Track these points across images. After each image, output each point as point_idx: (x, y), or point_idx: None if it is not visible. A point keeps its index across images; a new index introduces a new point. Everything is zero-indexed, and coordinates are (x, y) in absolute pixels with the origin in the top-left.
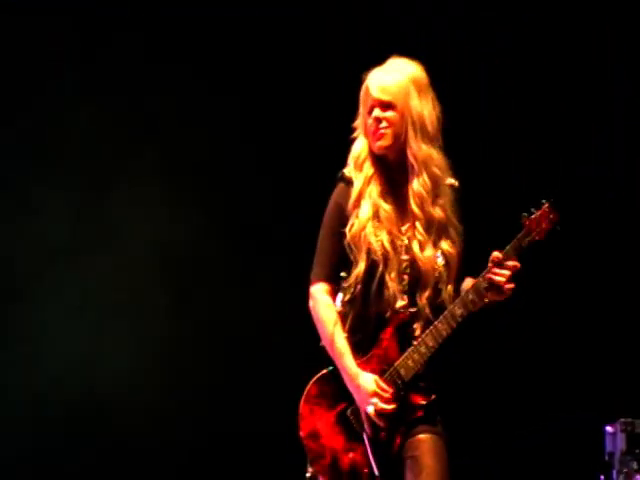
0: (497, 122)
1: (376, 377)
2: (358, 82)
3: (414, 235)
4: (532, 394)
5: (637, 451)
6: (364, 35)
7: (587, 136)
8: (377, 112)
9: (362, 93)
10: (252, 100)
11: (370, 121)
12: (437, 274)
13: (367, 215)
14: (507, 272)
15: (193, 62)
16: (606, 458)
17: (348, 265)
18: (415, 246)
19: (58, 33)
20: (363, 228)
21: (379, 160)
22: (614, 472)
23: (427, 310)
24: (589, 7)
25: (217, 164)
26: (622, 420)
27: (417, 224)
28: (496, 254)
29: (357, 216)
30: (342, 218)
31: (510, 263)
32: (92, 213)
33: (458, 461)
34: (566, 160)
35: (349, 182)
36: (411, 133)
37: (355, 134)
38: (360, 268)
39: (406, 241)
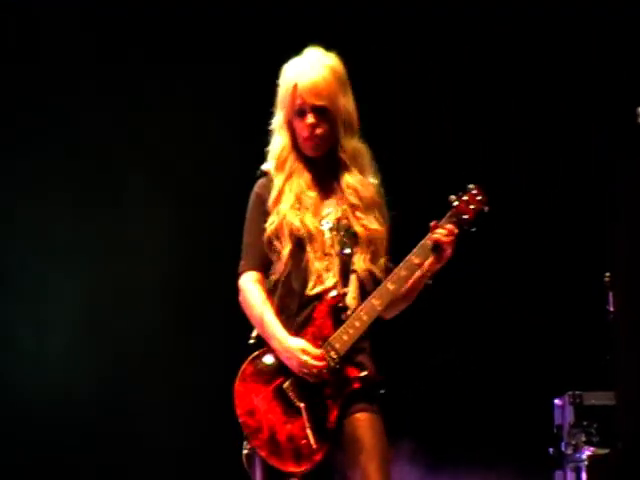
0: (423, 114)
1: (304, 342)
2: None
3: (355, 218)
4: (481, 368)
5: (585, 423)
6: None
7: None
8: (312, 119)
9: (287, 90)
10: None
11: (301, 125)
12: (373, 249)
13: (287, 206)
14: (448, 230)
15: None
16: (555, 431)
17: (272, 259)
18: (352, 221)
19: None
20: (284, 217)
21: (302, 154)
22: (563, 444)
23: (359, 288)
24: None
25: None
26: (570, 393)
27: (357, 213)
28: (434, 222)
29: (277, 212)
30: (265, 209)
31: (448, 226)
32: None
33: (397, 439)
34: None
35: (269, 175)
36: (341, 131)
37: (273, 127)
38: (286, 251)
39: (334, 222)
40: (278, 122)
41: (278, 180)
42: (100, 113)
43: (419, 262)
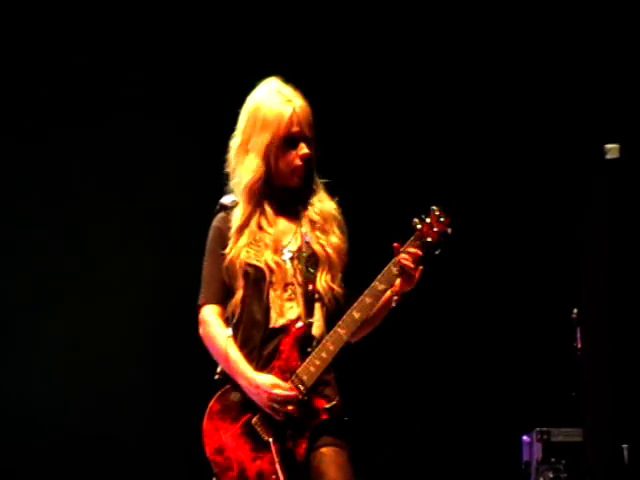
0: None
1: (272, 377)
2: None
3: (310, 234)
4: (448, 404)
5: (553, 460)
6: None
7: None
8: (306, 149)
9: (278, 116)
10: None
11: (293, 155)
12: (335, 265)
13: (244, 242)
14: (413, 254)
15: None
16: (523, 467)
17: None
18: (313, 243)
19: None
20: (238, 255)
21: (272, 186)
22: None
23: (324, 316)
24: None
25: None
26: (538, 429)
27: (311, 227)
28: (396, 244)
29: (235, 243)
30: (224, 242)
31: (411, 250)
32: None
33: (364, 471)
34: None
35: (229, 209)
36: (314, 164)
37: (242, 149)
38: (238, 295)
39: (295, 251)
40: (256, 145)
41: (242, 212)
42: None
43: (383, 289)
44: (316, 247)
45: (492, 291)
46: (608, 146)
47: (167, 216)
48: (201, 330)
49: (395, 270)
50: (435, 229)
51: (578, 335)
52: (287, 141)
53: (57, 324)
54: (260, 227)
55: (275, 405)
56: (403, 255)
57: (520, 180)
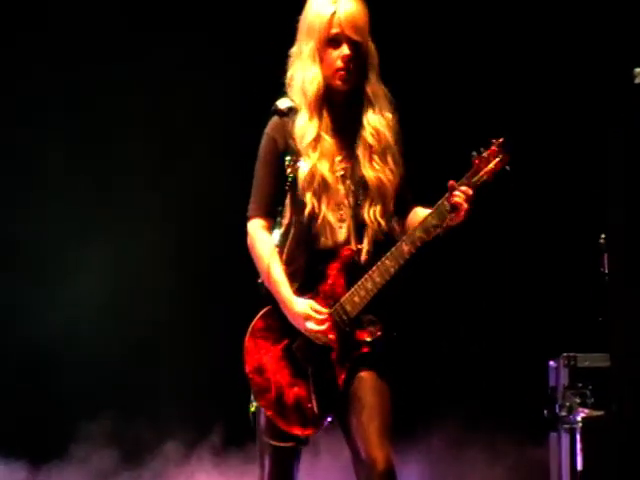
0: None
1: (311, 302)
2: None
3: (369, 163)
4: (476, 332)
5: (579, 385)
6: None
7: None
8: (347, 50)
9: (320, 18)
10: None
11: (335, 55)
12: (385, 196)
13: (318, 154)
14: (464, 192)
15: None
16: (549, 393)
17: (284, 199)
18: (367, 171)
19: None
20: (315, 166)
21: (327, 91)
22: (557, 406)
23: (372, 243)
24: None
25: None
26: (565, 355)
27: (374, 156)
28: (452, 181)
29: (309, 157)
30: (277, 153)
31: (464, 188)
32: None
33: (403, 399)
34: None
35: (285, 114)
36: (371, 70)
37: (298, 56)
38: (309, 206)
39: (347, 171)
40: (307, 52)
41: (301, 118)
42: None
43: (435, 224)
44: (367, 173)
45: (521, 218)
46: (638, 70)
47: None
48: (249, 241)
49: (447, 206)
50: (492, 166)
51: (605, 261)
52: (329, 43)
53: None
54: (319, 135)
55: (312, 330)
56: (456, 192)
57: (548, 105)
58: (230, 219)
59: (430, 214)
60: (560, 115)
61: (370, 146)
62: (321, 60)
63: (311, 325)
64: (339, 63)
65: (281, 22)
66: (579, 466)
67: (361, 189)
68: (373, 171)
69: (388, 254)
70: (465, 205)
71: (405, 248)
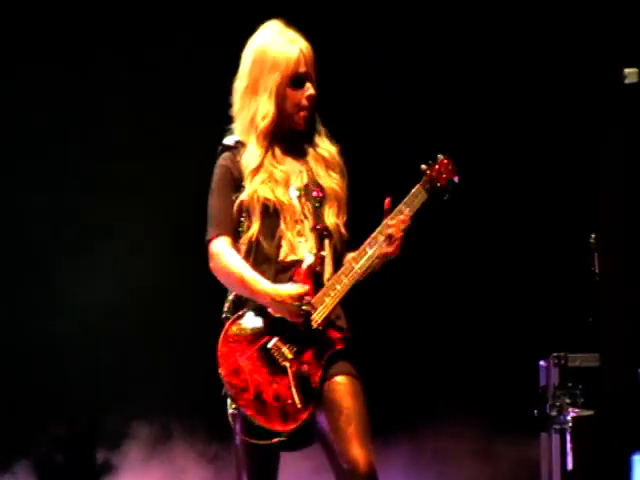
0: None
1: (291, 283)
2: None
3: (315, 170)
4: (466, 330)
5: (570, 385)
6: None
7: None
8: (312, 90)
9: (285, 56)
10: None
11: (299, 95)
12: (335, 203)
13: (260, 179)
14: (401, 224)
15: None
16: (540, 392)
17: (242, 227)
18: (318, 179)
19: None
20: (255, 191)
21: (281, 126)
22: (548, 406)
23: (332, 251)
24: None
25: None
26: (555, 354)
27: (315, 165)
28: (388, 200)
29: (251, 181)
30: (232, 180)
31: (399, 217)
32: None
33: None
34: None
35: (233, 148)
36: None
37: (251, 90)
38: (253, 229)
39: (301, 188)
40: (264, 87)
41: (258, 153)
42: None
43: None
44: (324, 182)
45: (510, 217)
46: (627, 70)
47: None
48: (212, 264)
49: (381, 238)
50: (444, 175)
51: (595, 260)
52: (295, 82)
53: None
54: (273, 166)
55: (302, 307)
56: (390, 223)
57: (537, 106)
58: None
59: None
60: (549, 115)
61: (324, 159)
62: (282, 98)
63: (297, 305)
64: (304, 102)
65: None
66: (569, 466)
67: (318, 198)
68: (329, 179)
69: (354, 255)
70: (399, 235)
71: (369, 251)
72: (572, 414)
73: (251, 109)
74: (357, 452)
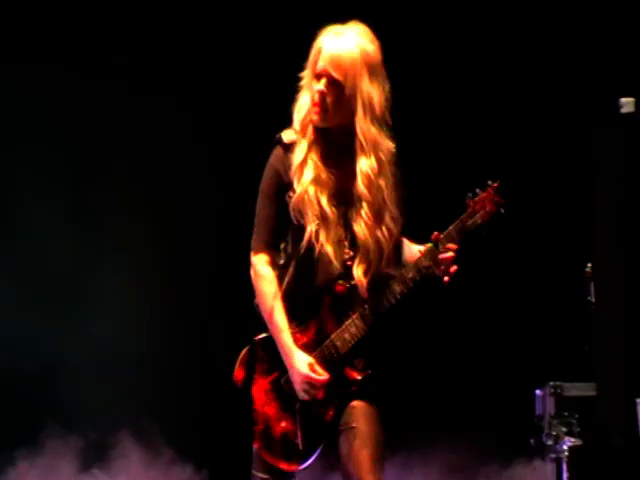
0: (444, 102)
1: (311, 360)
2: None
3: (358, 213)
4: (463, 359)
5: (566, 414)
6: None
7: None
8: (322, 86)
9: (313, 51)
10: None
11: (313, 89)
12: (376, 251)
13: (309, 178)
14: (444, 259)
15: None
16: (535, 421)
17: (288, 232)
18: (357, 223)
19: None
20: (306, 191)
21: (322, 128)
22: (544, 435)
23: (364, 285)
24: None
25: None
26: (551, 384)
27: (363, 204)
28: (436, 234)
29: (300, 180)
30: (280, 185)
31: (450, 247)
32: None
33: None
34: (514, 146)
35: (287, 147)
36: (360, 114)
37: (302, 84)
38: (310, 229)
39: (345, 216)
40: (305, 80)
41: (300, 148)
42: None
43: (427, 264)
44: (357, 228)
45: (506, 246)
46: (623, 100)
47: None
48: (252, 274)
49: (437, 254)
50: (487, 208)
51: (591, 290)
52: (315, 76)
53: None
54: (319, 167)
55: (306, 388)
56: (443, 254)
57: (534, 134)
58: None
59: (422, 256)
60: (546, 144)
61: (361, 196)
62: (311, 91)
63: (308, 388)
64: (315, 97)
65: None
66: None
67: (350, 242)
68: (363, 227)
69: (379, 293)
70: (452, 269)
71: (397, 288)
72: (568, 443)
73: (299, 101)
74: (369, 475)
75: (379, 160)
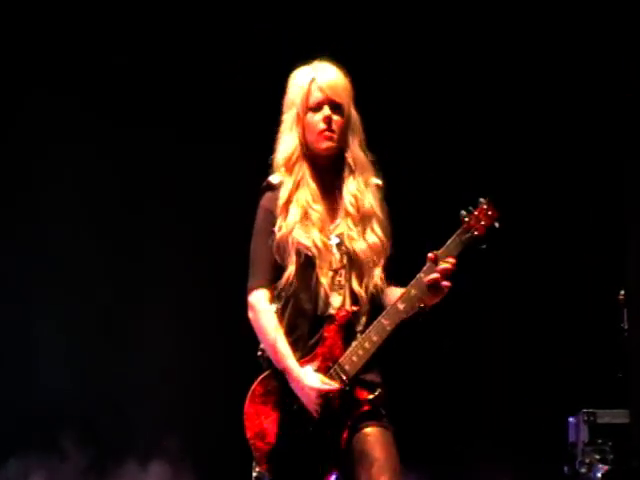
0: (432, 120)
1: (321, 376)
2: None
3: (348, 232)
4: (497, 386)
5: (599, 442)
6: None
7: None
8: (327, 111)
9: (302, 86)
10: None
11: (317, 119)
12: (372, 265)
13: (295, 219)
14: (443, 269)
15: None
16: (569, 449)
17: (281, 269)
18: (349, 242)
19: None
20: (291, 231)
21: (310, 158)
22: (577, 462)
23: (368, 306)
24: None
25: None
26: (584, 411)
27: (349, 221)
28: (430, 254)
29: (285, 220)
30: (273, 223)
31: (449, 260)
32: None
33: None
34: (504, 160)
35: (276, 188)
36: (350, 137)
37: (281, 129)
38: (290, 271)
39: (338, 238)
40: (288, 122)
41: (287, 186)
42: None
43: (416, 294)
44: (350, 245)
45: (540, 272)
46: None
47: None
48: (251, 315)
49: (425, 283)
50: (482, 222)
51: (625, 316)
52: (310, 108)
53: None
54: (306, 202)
55: (320, 402)
56: (434, 274)
57: (563, 159)
58: None
59: (411, 285)
60: (576, 169)
61: (349, 215)
62: (303, 127)
63: (322, 400)
64: (321, 125)
65: None
66: None
67: (347, 258)
68: (352, 241)
69: (384, 313)
70: (440, 279)
71: (400, 307)
72: (602, 471)
73: (281, 144)
74: None
75: (365, 179)
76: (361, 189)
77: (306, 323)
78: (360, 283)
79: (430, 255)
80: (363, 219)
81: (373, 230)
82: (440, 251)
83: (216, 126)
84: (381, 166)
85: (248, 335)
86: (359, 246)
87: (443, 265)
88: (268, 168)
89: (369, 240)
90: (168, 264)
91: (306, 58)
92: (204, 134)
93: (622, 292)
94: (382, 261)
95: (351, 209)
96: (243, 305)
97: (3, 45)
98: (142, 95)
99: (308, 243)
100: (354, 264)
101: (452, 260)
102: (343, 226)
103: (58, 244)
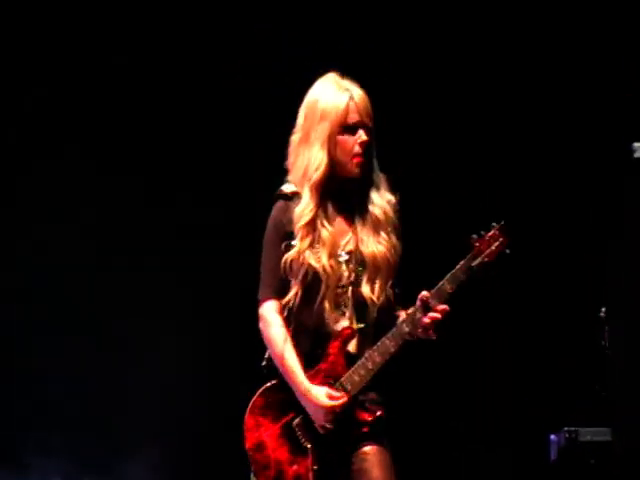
0: (447, 141)
1: (326, 389)
2: None
3: (367, 241)
4: (475, 404)
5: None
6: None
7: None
8: (364, 136)
9: (337, 104)
10: None
11: (352, 141)
12: (382, 278)
13: (309, 242)
14: (433, 317)
15: None
16: (550, 467)
17: (288, 282)
18: (364, 247)
19: None
20: (303, 252)
21: (334, 176)
22: None
23: (373, 324)
24: None
25: None
26: (566, 429)
27: (379, 230)
28: (423, 294)
29: (302, 240)
30: (284, 234)
31: (439, 307)
32: None
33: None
34: (518, 183)
35: (289, 198)
36: (374, 157)
37: (297, 141)
38: (296, 288)
39: (350, 254)
40: (315, 137)
41: (307, 207)
42: None
43: (410, 331)
44: (365, 250)
45: (521, 291)
46: (637, 144)
47: None
48: (261, 325)
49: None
50: (493, 247)
51: (606, 333)
52: (346, 129)
53: None
54: (322, 225)
55: (329, 418)
56: (426, 320)
57: (547, 180)
58: None
59: (407, 317)
60: (558, 186)
61: (378, 221)
62: (334, 146)
63: (331, 416)
64: (357, 149)
65: None
66: None
67: (361, 267)
68: (374, 244)
69: (388, 334)
70: (428, 327)
71: (406, 329)
72: None
73: (304, 160)
74: None
75: (389, 199)
76: (383, 205)
77: (309, 339)
78: (372, 290)
79: (423, 294)
80: (379, 226)
81: (387, 236)
82: (447, 277)
83: (216, 126)
84: (381, 166)
85: (239, 343)
86: (369, 249)
87: (433, 314)
88: (276, 171)
89: (383, 245)
90: (164, 276)
91: (306, 58)
92: (204, 134)
93: (603, 309)
94: (392, 277)
95: (381, 215)
96: (234, 312)
97: None
98: (142, 95)
99: (317, 265)
100: (365, 270)
101: (443, 308)
102: (353, 241)
103: (58, 244)
